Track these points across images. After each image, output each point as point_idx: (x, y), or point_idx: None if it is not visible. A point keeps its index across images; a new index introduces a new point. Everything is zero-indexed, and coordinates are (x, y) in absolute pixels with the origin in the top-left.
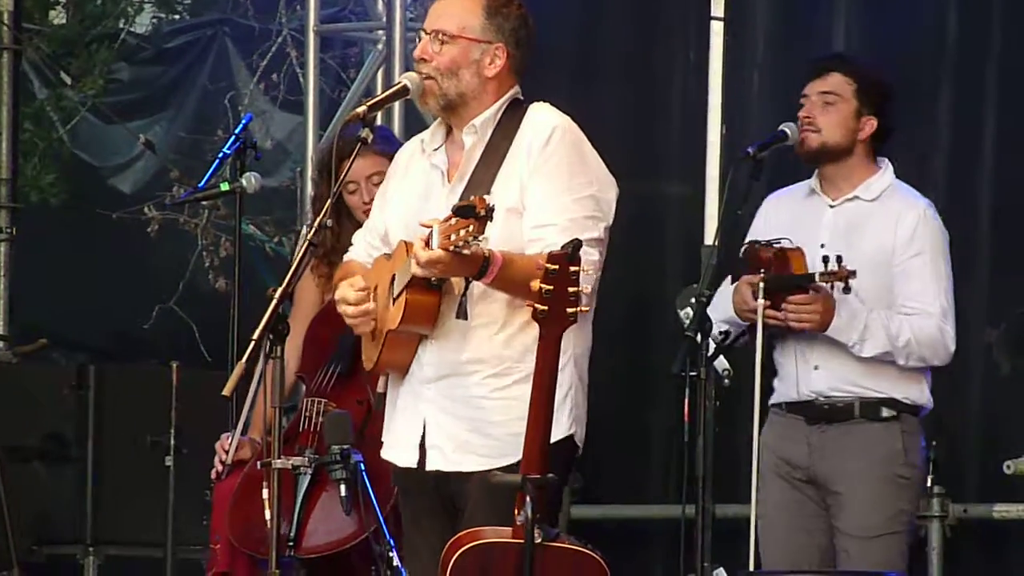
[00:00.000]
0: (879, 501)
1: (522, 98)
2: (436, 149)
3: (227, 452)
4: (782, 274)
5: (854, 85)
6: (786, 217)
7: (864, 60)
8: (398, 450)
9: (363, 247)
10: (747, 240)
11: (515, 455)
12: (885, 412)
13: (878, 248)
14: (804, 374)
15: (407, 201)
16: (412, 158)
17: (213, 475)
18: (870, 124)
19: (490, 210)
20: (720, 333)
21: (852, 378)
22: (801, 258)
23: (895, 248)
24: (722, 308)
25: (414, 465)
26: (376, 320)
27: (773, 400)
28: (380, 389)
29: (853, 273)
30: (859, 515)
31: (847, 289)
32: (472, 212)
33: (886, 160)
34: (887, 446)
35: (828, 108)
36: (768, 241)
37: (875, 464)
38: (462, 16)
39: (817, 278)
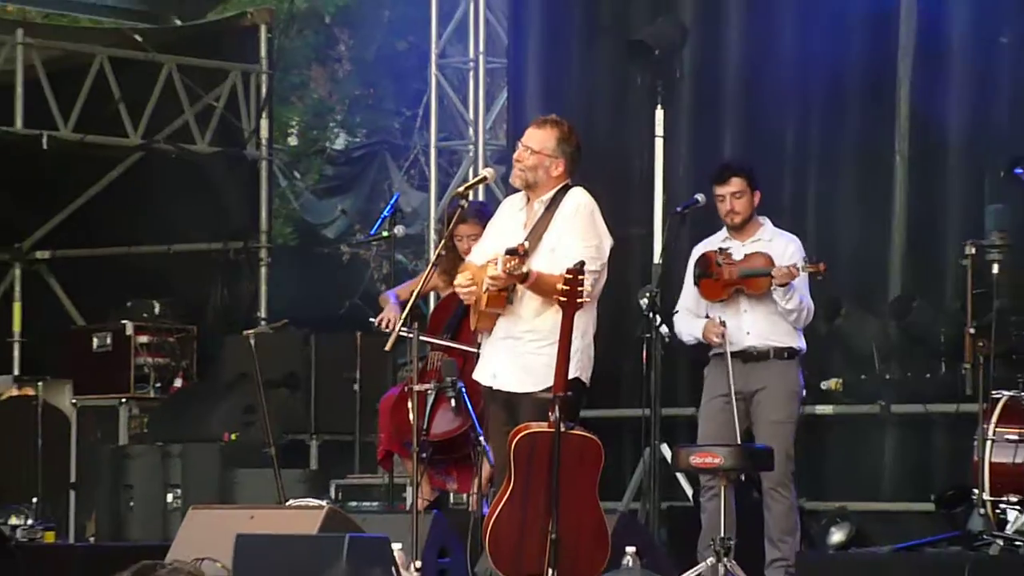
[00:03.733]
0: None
1: (568, 183)
2: (520, 209)
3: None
4: (753, 267)
5: (745, 180)
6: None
7: (740, 162)
8: (484, 376)
9: (478, 256)
10: (696, 255)
11: (548, 383)
12: (786, 354)
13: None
14: (739, 336)
15: (502, 232)
16: (511, 207)
17: (378, 322)
18: (757, 196)
19: (525, 251)
20: (692, 337)
21: (768, 337)
22: (761, 258)
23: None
24: (690, 330)
25: (493, 386)
26: (477, 300)
27: (713, 352)
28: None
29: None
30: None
31: (819, 276)
32: (516, 252)
33: (766, 217)
34: (788, 373)
35: (739, 198)
36: (720, 249)
37: (781, 383)
38: (543, 140)
39: (803, 265)
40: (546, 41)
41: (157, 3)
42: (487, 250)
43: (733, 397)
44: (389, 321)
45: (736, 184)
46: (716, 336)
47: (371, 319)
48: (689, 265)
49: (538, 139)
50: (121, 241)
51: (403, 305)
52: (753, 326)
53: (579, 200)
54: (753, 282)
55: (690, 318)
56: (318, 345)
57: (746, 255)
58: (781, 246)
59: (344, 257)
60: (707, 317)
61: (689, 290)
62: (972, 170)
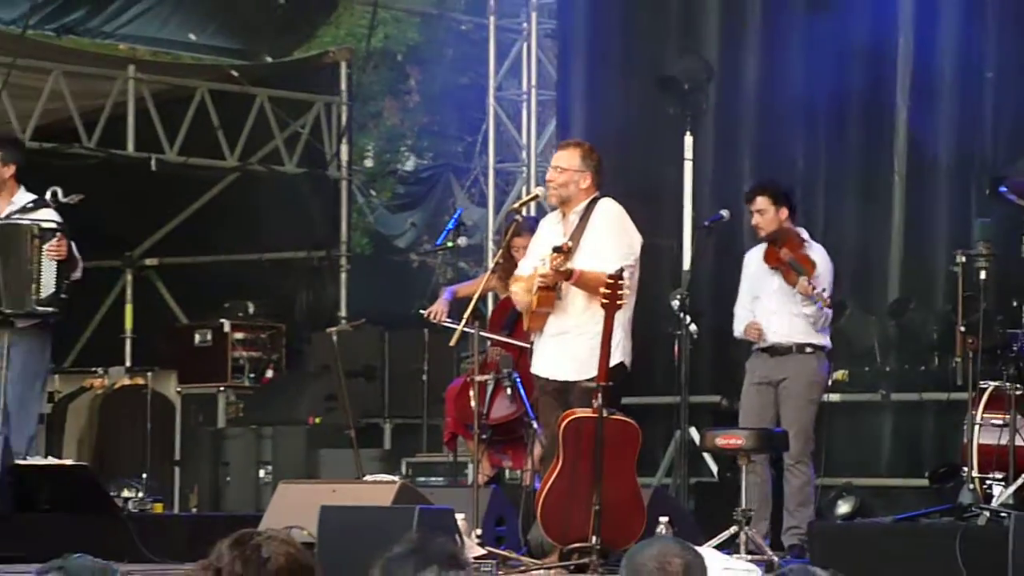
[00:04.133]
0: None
1: (598, 195)
2: (558, 223)
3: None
4: (798, 262)
5: (768, 198)
6: (756, 256)
7: (766, 182)
8: (539, 368)
9: (526, 268)
10: (748, 257)
11: (593, 372)
12: (807, 349)
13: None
14: (768, 333)
15: (544, 246)
16: (550, 224)
17: (427, 313)
18: (783, 212)
19: (568, 248)
20: (738, 333)
21: (790, 334)
22: (810, 262)
23: (820, 271)
24: (737, 328)
25: (547, 376)
26: (528, 303)
27: (754, 347)
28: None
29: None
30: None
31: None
32: (561, 249)
33: (803, 230)
34: (808, 365)
35: (763, 215)
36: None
37: (801, 373)
38: (569, 159)
39: (821, 292)
40: (589, 76)
41: (250, 42)
42: (531, 264)
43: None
44: (436, 313)
45: (760, 202)
46: (754, 335)
47: (422, 310)
48: (744, 269)
49: (565, 159)
50: (219, 250)
51: (455, 301)
52: (779, 326)
53: (609, 207)
54: (789, 273)
55: (741, 315)
56: (391, 341)
57: (802, 253)
58: (818, 255)
59: (413, 264)
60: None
61: (742, 292)
62: (961, 188)
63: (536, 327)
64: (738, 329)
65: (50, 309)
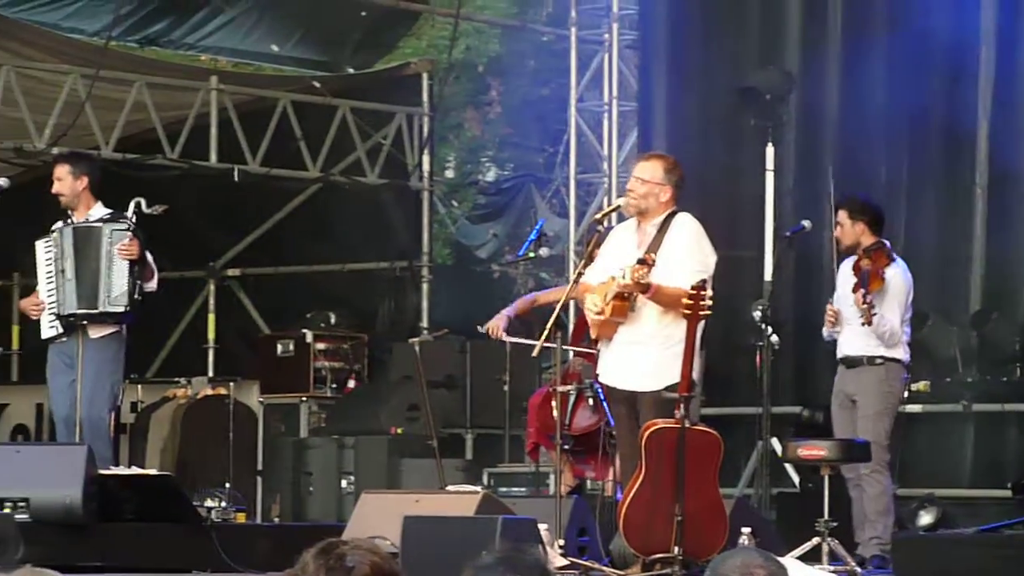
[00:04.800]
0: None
1: (676, 209)
2: (632, 233)
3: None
4: (866, 275)
5: (846, 212)
6: (847, 266)
7: (848, 196)
8: (609, 378)
9: (594, 276)
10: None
11: (666, 382)
12: (878, 361)
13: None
14: (844, 346)
15: (617, 255)
16: (623, 232)
17: (485, 328)
18: (860, 226)
19: (653, 262)
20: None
21: (862, 348)
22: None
23: (888, 288)
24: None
25: (618, 386)
26: (599, 311)
27: (837, 357)
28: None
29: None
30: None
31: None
32: (644, 262)
33: (885, 243)
34: (879, 377)
35: (841, 228)
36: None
37: (874, 385)
38: (652, 171)
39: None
40: (670, 87)
41: (333, 54)
42: (602, 271)
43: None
44: (493, 328)
45: (839, 216)
46: (830, 316)
47: (479, 326)
48: (839, 276)
49: (648, 171)
50: (302, 260)
51: (516, 317)
52: (852, 339)
53: (687, 222)
54: (857, 285)
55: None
56: (473, 351)
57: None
58: (891, 273)
59: (495, 275)
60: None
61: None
62: None
63: (606, 335)
64: (825, 330)
65: (121, 308)
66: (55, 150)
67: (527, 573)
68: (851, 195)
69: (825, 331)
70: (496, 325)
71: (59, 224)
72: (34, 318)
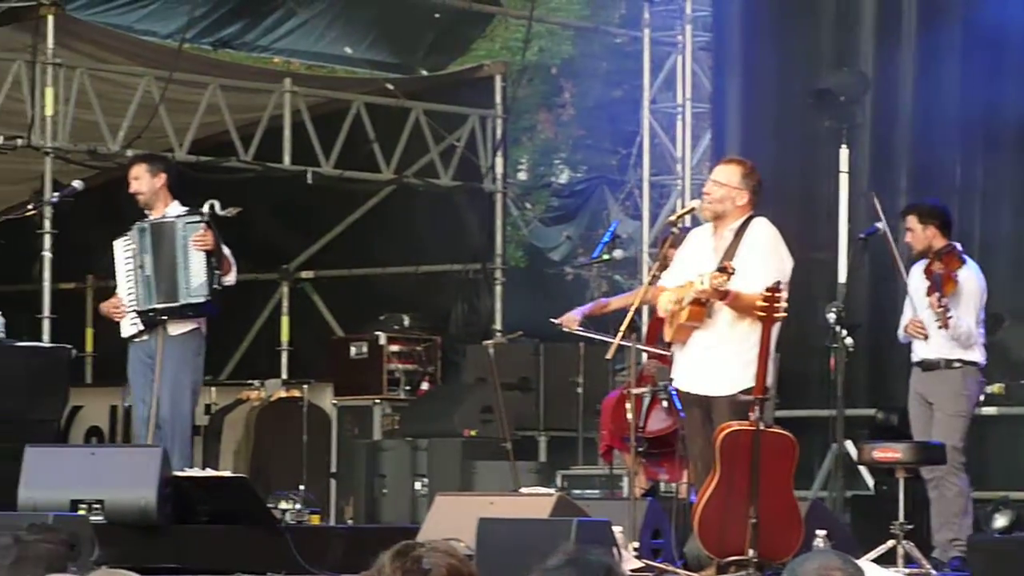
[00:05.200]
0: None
1: (753, 213)
2: (709, 237)
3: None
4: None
5: (915, 216)
6: (918, 269)
7: (918, 202)
8: (684, 382)
9: (670, 280)
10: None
11: (741, 387)
12: (955, 364)
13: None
14: (922, 350)
15: (694, 259)
16: (700, 236)
17: (558, 321)
18: (931, 230)
19: (732, 270)
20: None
21: (938, 351)
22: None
23: (961, 291)
24: (902, 331)
25: (693, 390)
26: (674, 315)
27: (913, 360)
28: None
29: None
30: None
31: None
32: (724, 270)
33: (957, 245)
34: (955, 380)
35: (912, 234)
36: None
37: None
38: (729, 175)
39: (938, 316)
40: (744, 88)
41: (406, 56)
42: (678, 275)
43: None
44: (567, 320)
45: (909, 221)
46: (916, 330)
47: (552, 319)
48: (909, 281)
49: (725, 174)
50: (375, 263)
51: (593, 315)
52: (928, 343)
53: (764, 228)
54: (931, 288)
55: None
56: (546, 353)
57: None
58: (964, 275)
59: (568, 277)
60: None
61: (907, 302)
62: None
63: (681, 339)
64: (901, 333)
65: (201, 298)
66: (129, 152)
67: (595, 574)
68: (918, 200)
69: (901, 334)
70: (571, 316)
71: (137, 223)
72: (117, 320)
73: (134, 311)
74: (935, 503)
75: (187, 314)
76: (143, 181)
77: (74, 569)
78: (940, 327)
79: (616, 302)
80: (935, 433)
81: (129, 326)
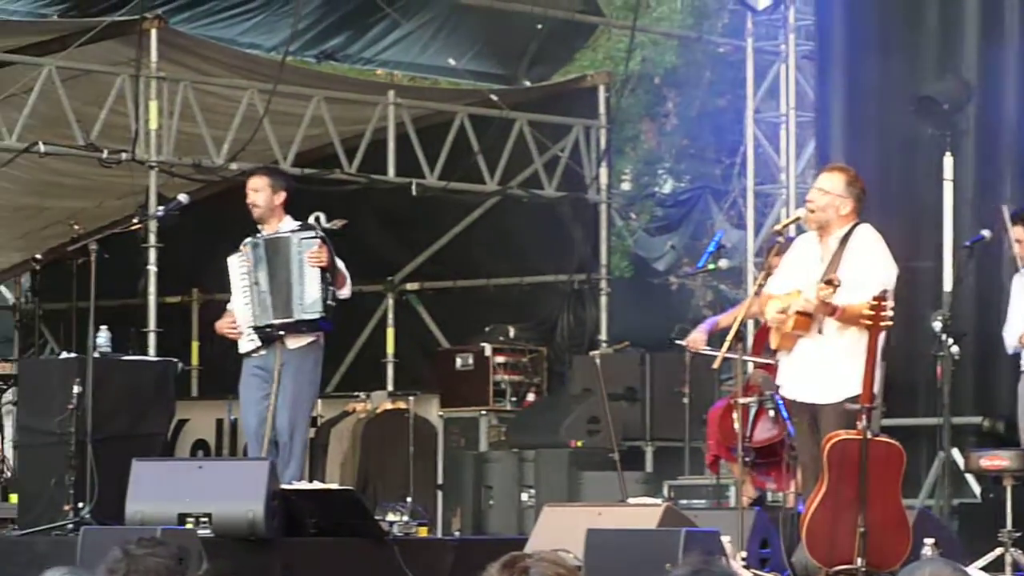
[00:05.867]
0: None
1: (857, 221)
2: (815, 245)
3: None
4: None
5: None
6: (1020, 282)
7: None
8: (790, 391)
9: (775, 287)
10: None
11: (848, 394)
12: None
13: None
14: None
15: (799, 267)
16: (807, 245)
17: (685, 343)
18: None
19: (839, 282)
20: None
21: None
22: None
23: None
24: (1010, 342)
25: (799, 399)
26: (782, 323)
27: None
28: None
29: None
30: None
31: None
32: (831, 283)
33: None
34: None
35: (1021, 245)
36: None
37: None
38: (833, 183)
39: None
40: (847, 97)
41: (509, 67)
42: (784, 282)
43: None
44: (694, 342)
45: (1017, 232)
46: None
47: (678, 339)
48: (1013, 289)
49: (829, 183)
50: (480, 274)
51: (715, 330)
52: None
53: (868, 236)
54: None
55: (1013, 331)
56: (652, 363)
57: None
58: None
59: (673, 287)
60: None
61: (1011, 311)
62: None
63: (787, 347)
64: (1010, 344)
65: (316, 315)
66: (233, 166)
67: None
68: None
69: (1010, 344)
70: (698, 338)
71: (249, 238)
72: (233, 339)
73: (251, 327)
74: None
75: (302, 329)
76: (263, 195)
77: None
78: None
79: (725, 319)
80: None
81: (247, 342)
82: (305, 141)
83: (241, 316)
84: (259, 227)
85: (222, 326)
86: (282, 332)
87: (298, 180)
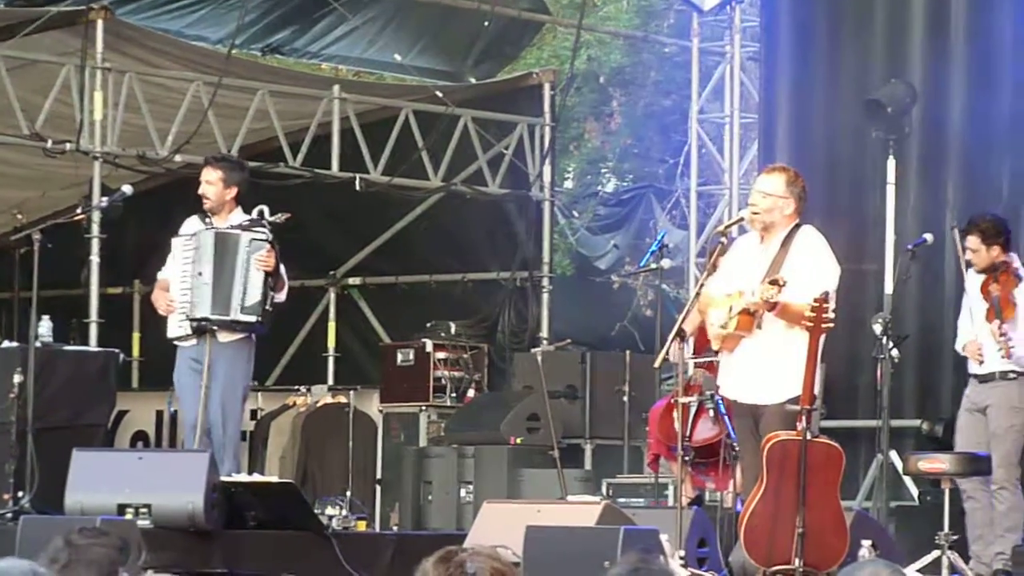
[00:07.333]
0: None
1: (799, 222)
2: (756, 247)
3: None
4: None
5: (978, 237)
6: (975, 283)
7: (980, 217)
8: (731, 391)
9: (716, 288)
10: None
11: (788, 395)
12: (1010, 375)
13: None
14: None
15: (741, 267)
16: (747, 245)
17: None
18: (995, 250)
19: (784, 283)
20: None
21: (997, 366)
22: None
23: (1020, 314)
24: (961, 344)
25: (740, 399)
26: (723, 324)
27: (969, 371)
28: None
29: None
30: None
31: None
32: (776, 283)
33: (1014, 255)
34: (1010, 392)
35: (974, 254)
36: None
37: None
38: (774, 185)
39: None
40: (792, 99)
41: (455, 64)
42: (724, 282)
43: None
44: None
45: (971, 241)
46: (973, 354)
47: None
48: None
49: (770, 184)
50: (422, 270)
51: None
52: (986, 358)
53: (811, 236)
54: (990, 311)
55: (963, 331)
56: (593, 361)
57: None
58: (1020, 293)
59: (615, 286)
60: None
61: (964, 309)
62: None
63: (728, 348)
64: (959, 343)
65: (253, 318)
66: (178, 158)
67: None
68: (977, 218)
69: (960, 348)
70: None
71: (199, 226)
72: (162, 314)
73: (184, 314)
74: (970, 515)
75: (236, 329)
76: (215, 188)
77: (125, 573)
78: (1003, 357)
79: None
80: (991, 446)
81: (176, 327)
82: (250, 134)
83: (177, 300)
84: (208, 216)
85: (159, 298)
86: (215, 327)
87: None
